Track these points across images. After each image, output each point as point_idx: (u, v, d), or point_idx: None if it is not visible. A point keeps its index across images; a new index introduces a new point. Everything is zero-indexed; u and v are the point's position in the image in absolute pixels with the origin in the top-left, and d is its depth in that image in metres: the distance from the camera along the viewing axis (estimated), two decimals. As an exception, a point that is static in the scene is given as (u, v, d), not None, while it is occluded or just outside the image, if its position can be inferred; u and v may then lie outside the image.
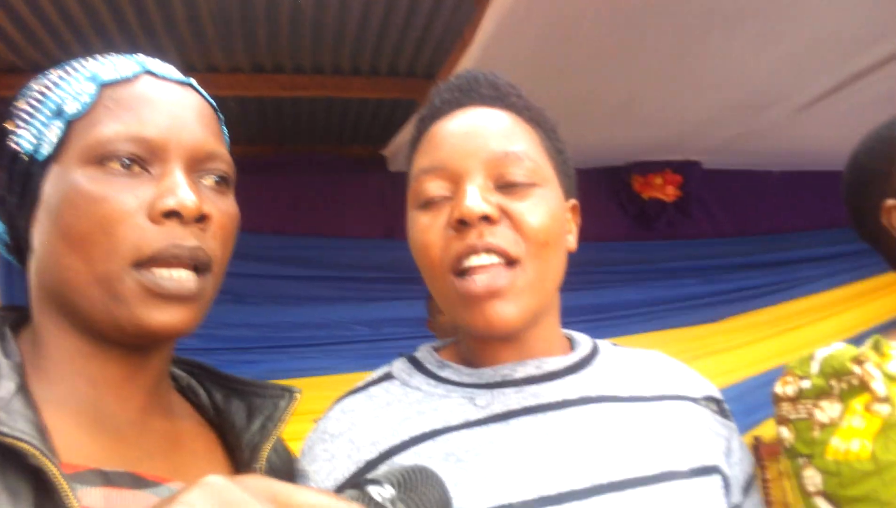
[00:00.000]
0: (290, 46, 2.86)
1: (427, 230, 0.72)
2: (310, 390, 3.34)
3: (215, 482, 0.38)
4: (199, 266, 0.63)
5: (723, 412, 0.75)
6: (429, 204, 0.73)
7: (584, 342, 0.80)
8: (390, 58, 3.02)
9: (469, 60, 2.46)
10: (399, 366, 0.81)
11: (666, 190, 4.17)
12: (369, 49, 2.93)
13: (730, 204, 4.40)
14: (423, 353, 0.82)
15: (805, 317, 4.31)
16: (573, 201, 0.80)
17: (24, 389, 0.57)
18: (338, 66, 3.08)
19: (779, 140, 3.78)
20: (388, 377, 0.81)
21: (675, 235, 4.25)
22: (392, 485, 0.45)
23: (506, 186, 0.71)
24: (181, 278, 0.61)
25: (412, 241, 0.75)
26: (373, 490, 0.44)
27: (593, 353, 0.78)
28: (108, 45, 2.44)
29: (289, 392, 0.74)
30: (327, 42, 2.84)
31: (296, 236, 3.68)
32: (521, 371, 0.73)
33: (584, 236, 0.78)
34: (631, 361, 0.78)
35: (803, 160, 4.30)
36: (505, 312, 0.68)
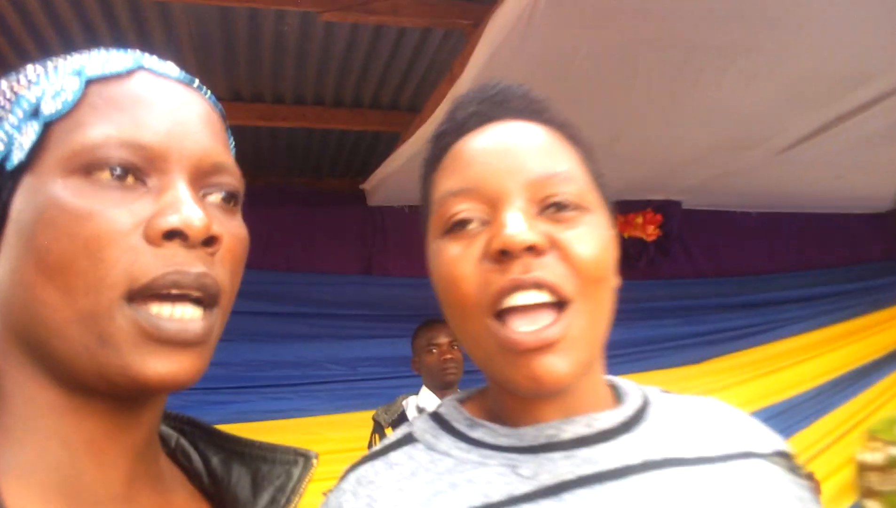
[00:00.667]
0: (272, 75, 2.79)
1: (458, 262, 0.60)
2: (282, 433, 3.19)
3: None
4: (206, 299, 0.51)
5: (794, 469, 0.65)
6: (459, 231, 0.62)
7: (631, 390, 0.69)
8: (374, 90, 2.96)
9: (458, 92, 2.40)
10: (422, 426, 0.69)
11: (646, 229, 4.15)
12: (353, 80, 2.87)
13: (710, 244, 4.40)
14: (449, 409, 0.70)
15: (786, 359, 4.29)
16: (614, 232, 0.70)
17: None
18: (320, 96, 3.01)
19: (759, 181, 3.78)
20: (409, 439, 0.68)
21: (655, 274, 4.21)
22: None
23: (551, 212, 0.61)
24: (185, 316, 0.50)
25: (437, 275, 0.64)
26: None
27: (645, 404, 0.68)
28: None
29: (304, 457, 0.62)
30: (310, 72, 2.77)
31: (270, 271, 3.55)
32: (570, 431, 0.62)
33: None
34: (687, 412, 0.68)
35: (782, 202, 4.33)
36: (556, 367, 0.57)
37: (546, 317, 0.57)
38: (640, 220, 4.18)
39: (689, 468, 0.61)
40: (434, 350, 2.66)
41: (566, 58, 2.20)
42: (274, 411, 3.28)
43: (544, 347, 0.57)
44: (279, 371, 3.40)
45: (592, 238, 0.60)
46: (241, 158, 0.60)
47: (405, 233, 3.84)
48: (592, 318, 0.59)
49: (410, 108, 3.10)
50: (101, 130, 0.50)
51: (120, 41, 2.40)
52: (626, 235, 4.20)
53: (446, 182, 0.64)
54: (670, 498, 0.58)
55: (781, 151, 3.21)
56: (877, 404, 4.23)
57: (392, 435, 0.69)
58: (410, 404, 2.60)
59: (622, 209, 4.13)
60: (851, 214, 4.64)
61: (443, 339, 2.69)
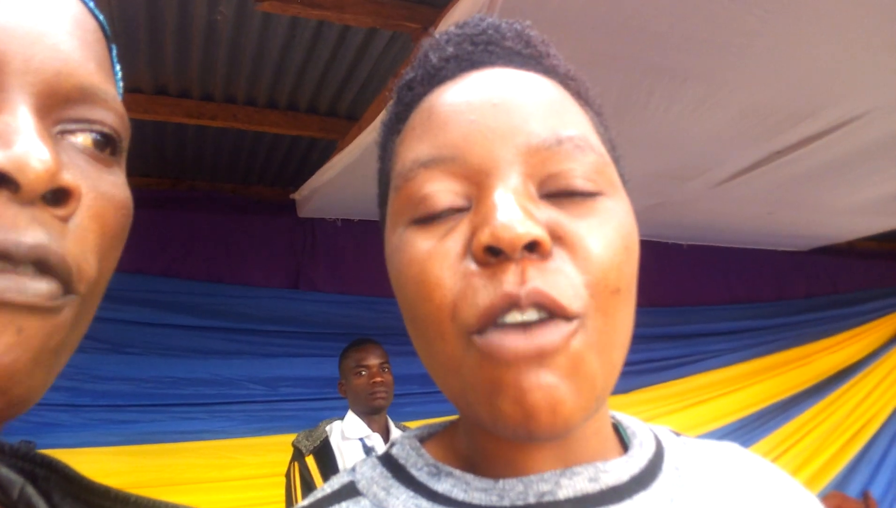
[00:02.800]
0: (201, 69, 2.58)
1: (429, 262, 0.44)
2: (193, 456, 2.93)
3: None
4: (48, 274, 0.34)
5: None
6: (430, 217, 0.45)
7: (640, 432, 0.53)
8: (312, 93, 2.80)
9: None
10: (368, 474, 0.51)
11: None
12: (290, 80, 2.69)
13: (639, 274, 4.39)
14: (405, 450, 0.52)
15: (712, 391, 4.34)
16: None
17: None
18: (252, 96, 2.81)
19: (694, 213, 3.81)
20: (350, 491, 0.50)
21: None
22: None
23: (557, 194, 0.44)
24: (9, 288, 0.33)
25: (400, 277, 0.47)
26: None
27: (659, 451, 0.52)
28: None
29: None
30: (244, 68, 2.58)
31: (187, 281, 3.30)
32: (569, 487, 0.46)
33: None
34: (709, 462, 0.54)
35: (713, 235, 4.40)
36: (559, 397, 0.40)
37: (548, 333, 0.41)
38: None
39: None
40: (363, 373, 2.50)
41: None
42: (185, 431, 3.01)
43: (542, 355, 0.40)
44: (192, 389, 3.14)
45: (613, 231, 0.44)
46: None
47: (336, 247, 3.67)
48: (608, 337, 0.43)
49: (349, 115, 2.94)
50: None
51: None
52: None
53: (414, 148, 0.47)
54: None
55: (719, 183, 3.23)
56: (798, 436, 4.33)
57: (328, 485, 0.52)
58: (335, 429, 2.42)
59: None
60: (777, 250, 4.77)
61: (373, 361, 2.53)
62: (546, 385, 0.40)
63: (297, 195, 3.47)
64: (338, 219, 3.66)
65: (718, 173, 3.12)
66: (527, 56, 0.50)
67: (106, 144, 0.39)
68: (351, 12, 2.11)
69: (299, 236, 3.66)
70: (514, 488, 0.46)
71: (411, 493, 0.48)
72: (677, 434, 0.57)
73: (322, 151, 3.25)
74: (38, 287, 0.33)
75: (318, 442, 2.34)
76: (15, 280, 0.32)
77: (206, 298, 3.32)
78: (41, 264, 0.34)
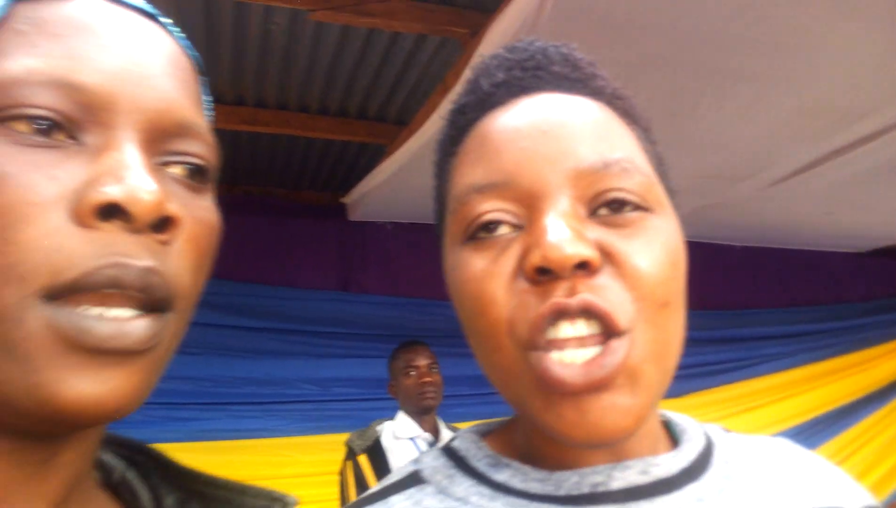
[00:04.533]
0: (255, 77, 2.66)
1: (485, 280, 0.47)
2: (249, 453, 3.01)
3: None
4: (152, 302, 0.38)
5: None
6: (485, 239, 0.48)
7: (689, 428, 0.55)
8: (362, 98, 2.85)
9: (448, 106, 2.31)
10: (432, 463, 0.54)
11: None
12: (340, 87, 2.76)
13: (692, 277, 4.30)
14: (466, 443, 0.55)
15: (766, 396, 4.24)
16: None
17: None
18: (304, 103, 2.89)
19: (747, 214, 3.74)
20: (415, 479, 0.54)
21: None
22: None
23: (605, 214, 0.47)
24: (122, 317, 0.36)
25: (459, 294, 0.50)
26: None
27: (709, 446, 0.54)
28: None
29: (280, 503, 0.49)
30: (296, 75, 2.65)
31: (242, 284, 3.39)
32: (621, 479, 0.49)
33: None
34: (759, 456, 0.56)
35: (767, 236, 4.30)
36: (615, 412, 0.43)
37: (605, 351, 0.43)
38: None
39: None
40: (412, 373, 2.53)
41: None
42: (241, 430, 3.10)
43: (598, 386, 0.43)
44: (248, 388, 3.24)
45: (659, 248, 0.46)
46: (221, 164, 0.48)
47: (386, 250, 3.73)
48: (660, 347, 0.45)
49: (398, 120, 2.99)
50: (22, 63, 0.37)
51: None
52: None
53: (469, 173, 0.50)
54: None
55: (773, 183, 3.17)
56: (858, 444, 4.19)
57: (394, 474, 0.56)
58: (386, 429, 2.46)
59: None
60: (835, 252, 4.63)
61: (422, 361, 2.56)
62: (605, 406, 0.43)
63: (347, 199, 3.54)
64: (387, 222, 3.71)
65: (772, 173, 3.05)
66: (574, 80, 0.52)
67: (198, 174, 0.43)
68: (400, 19, 2.15)
69: (349, 240, 3.73)
70: (568, 479, 0.49)
71: (473, 482, 0.51)
72: (727, 431, 0.58)
73: (371, 156, 3.31)
74: (139, 332, 0.37)
75: (371, 442, 2.39)
76: (119, 326, 0.36)
77: (260, 300, 3.41)
78: (150, 289, 0.37)
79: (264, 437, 3.13)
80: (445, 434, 2.51)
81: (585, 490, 0.48)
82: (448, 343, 3.09)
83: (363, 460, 2.33)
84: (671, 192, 0.53)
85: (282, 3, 2.09)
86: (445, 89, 2.34)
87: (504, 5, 1.93)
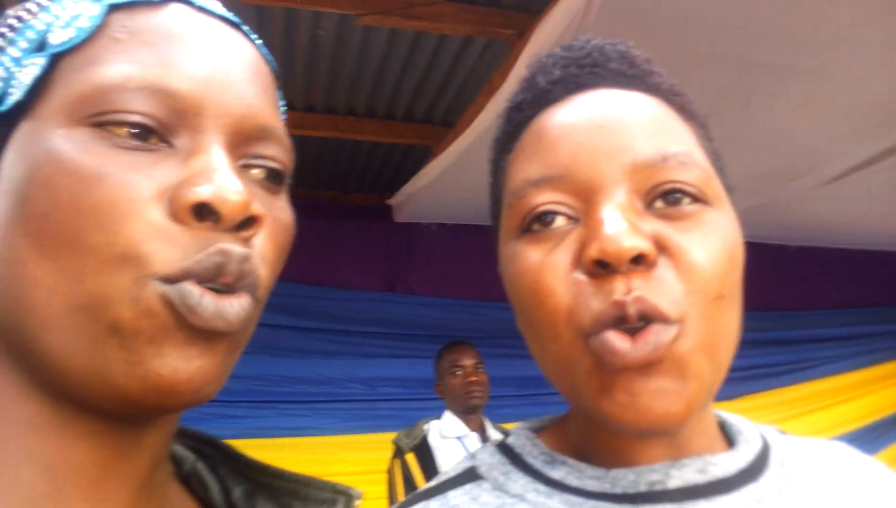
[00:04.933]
0: (304, 82, 2.72)
1: (542, 272, 0.48)
2: (298, 451, 3.07)
3: None
4: (245, 288, 0.40)
5: None
6: (541, 231, 0.49)
7: (745, 428, 0.55)
8: (408, 101, 2.89)
9: (496, 107, 2.32)
10: (488, 460, 0.55)
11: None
12: (387, 90, 2.79)
13: (744, 277, 4.23)
14: (521, 440, 0.56)
15: (820, 400, 4.12)
16: None
17: None
18: (352, 106, 2.94)
19: (800, 214, 3.64)
20: (472, 475, 0.55)
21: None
22: None
23: (662, 207, 0.47)
24: (226, 304, 0.39)
25: (515, 285, 0.51)
26: None
27: (765, 448, 0.54)
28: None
29: (344, 496, 0.51)
30: (344, 79, 2.70)
31: (291, 284, 3.45)
32: (679, 478, 0.48)
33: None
34: (816, 459, 0.56)
35: (822, 236, 4.18)
36: (667, 397, 0.43)
37: (658, 336, 0.44)
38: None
39: None
40: (458, 373, 2.55)
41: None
42: (290, 427, 3.17)
43: (649, 365, 0.43)
44: (297, 387, 3.30)
45: (716, 242, 0.47)
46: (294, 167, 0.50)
47: (432, 251, 3.75)
48: (712, 339, 0.46)
49: (444, 121, 3.02)
50: (120, 69, 0.39)
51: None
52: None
53: (525, 168, 0.51)
54: None
55: (828, 182, 3.08)
56: (918, 452, 4.04)
57: (451, 469, 0.57)
58: (432, 429, 2.48)
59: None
60: (892, 252, 4.48)
61: (467, 361, 2.58)
62: (656, 390, 0.44)
63: (393, 201, 3.57)
64: (433, 223, 3.74)
65: (827, 172, 2.97)
66: (631, 76, 0.52)
67: (276, 177, 0.45)
68: (448, 22, 2.17)
69: (395, 241, 3.77)
70: (625, 477, 0.49)
71: (529, 478, 0.52)
72: (783, 433, 0.58)
73: (418, 158, 3.34)
74: (236, 313, 0.39)
75: (418, 441, 2.41)
76: (220, 307, 0.38)
77: (308, 300, 3.48)
78: (244, 277, 0.40)
79: (313, 435, 3.19)
80: (492, 434, 2.51)
81: (642, 488, 0.48)
82: (493, 344, 3.10)
83: (411, 458, 2.35)
84: (729, 188, 0.53)
85: (330, 9, 2.13)
86: (492, 90, 2.35)
87: (551, 6, 1.93)
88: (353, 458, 3.12)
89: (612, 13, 1.87)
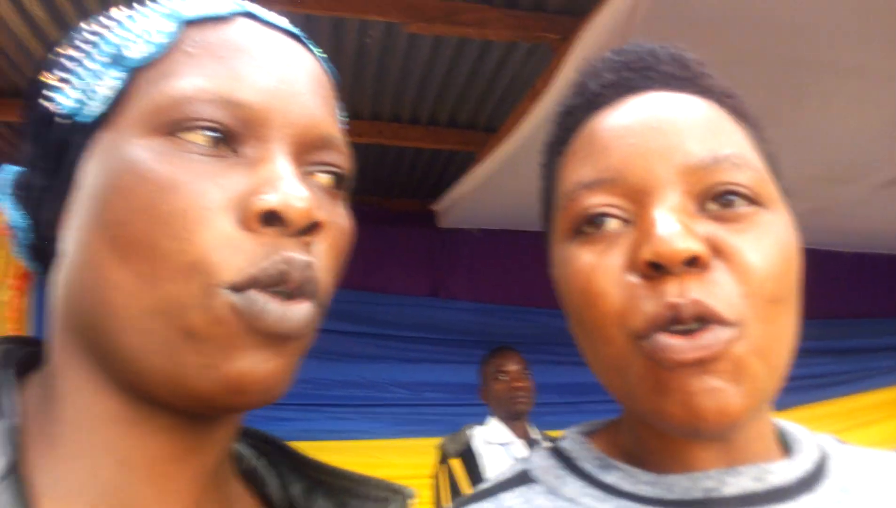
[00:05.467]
0: (351, 89, 2.76)
1: (594, 273, 0.48)
2: (345, 454, 3.10)
3: None
4: (308, 294, 0.42)
5: None
6: (593, 233, 0.49)
7: (803, 437, 0.54)
8: (452, 107, 2.91)
9: (540, 111, 2.31)
10: (541, 463, 0.55)
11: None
12: (431, 97, 2.82)
13: (804, 284, 4.11)
14: (573, 444, 0.56)
15: (876, 412, 3.98)
16: None
17: (16, 472, 0.37)
18: (397, 113, 2.97)
19: (856, 218, 3.53)
20: (525, 479, 0.55)
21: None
22: None
23: (716, 209, 0.47)
24: (286, 305, 0.40)
25: (567, 287, 0.51)
26: None
27: (823, 457, 0.53)
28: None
29: (400, 495, 0.52)
30: (389, 87, 2.73)
31: (337, 289, 3.50)
32: (734, 485, 0.48)
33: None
34: (877, 470, 0.54)
35: (878, 243, 4.04)
36: (724, 396, 0.43)
37: (713, 338, 0.44)
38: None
39: None
40: (503, 378, 2.54)
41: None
42: (337, 431, 3.22)
43: (705, 362, 0.43)
44: (342, 391, 3.34)
45: (771, 244, 0.46)
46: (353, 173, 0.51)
47: (475, 256, 3.76)
48: (769, 342, 0.45)
49: (488, 127, 3.02)
50: (192, 82, 0.41)
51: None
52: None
53: (577, 171, 0.51)
54: None
55: (885, 185, 2.98)
56: None
57: (504, 472, 0.57)
58: (477, 434, 2.47)
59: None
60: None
61: (512, 366, 2.57)
62: (711, 388, 0.43)
63: (437, 207, 3.60)
64: (476, 229, 3.74)
65: (884, 175, 2.87)
66: (683, 78, 0.52)
67: (338, 182, 0.46)
68: (492, 28, 2.18)
69: (439, 246, 3.79)
70: (680, 483, 0.49)
71: (582, 483, 0.52)
72: (841, 443, 0.57)
73: (461, 163, 3.35)
74: (301, 313, 0.41)
75: (463, 446, 2.41)
76: (285, 312, 0.40)
77: (353, 305, 3.52)
78: (307, 284, 0.41)
79: (358, 438, 3.22)
80: (537, 441, 2.50)
81: (698, 494, 0.48)
82: (536, 350, 3.09)
83: (456, 464, 2.36)
84: (785, 191, 0.52)
85: (377, 17, 2.16)
86: (536, 95, 2.35)
87: (596, 9, 1.92)
88: (398, 462, 3.14)
89: (659, 14, 1.85)
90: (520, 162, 2.67)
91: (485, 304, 3.61)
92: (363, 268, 3.63)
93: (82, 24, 0.47)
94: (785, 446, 0.54)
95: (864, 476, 0.52)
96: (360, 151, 3.30)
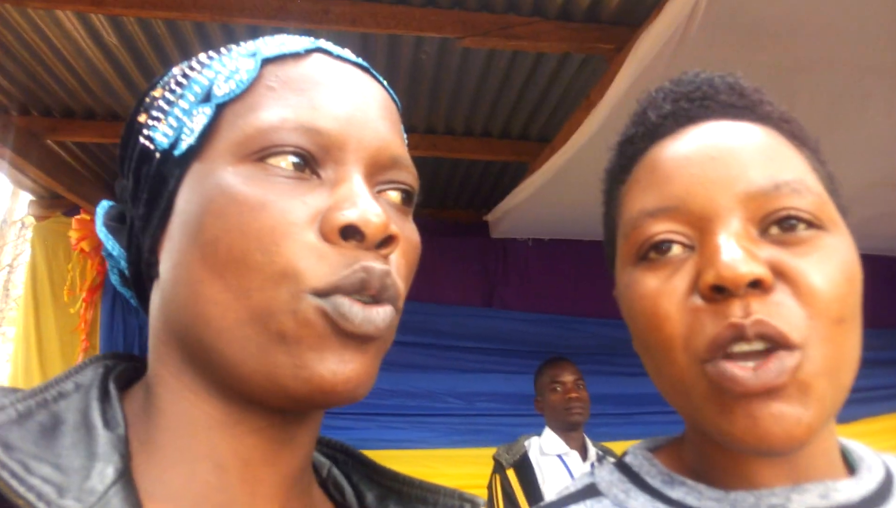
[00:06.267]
0: (406, 104, 2.81)
1: (659, 298, 0.50)
2: (399, 463, 3.13)
3: None
4: (386, 299, 0.45)
5: None
6: (657, 259, 0.51)
7: (867, 456, 0.55)
8: (505, 119, 2.93)
9: (594, 122, 2.31)
10: (608, 478, 0.58)
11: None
12: (485, 109, 2.84)
13: (864, 292, 3.98)
14: (639, 459, 0.58)
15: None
16: None
17: (126, 476, 0.41)
18: (451, 126, 3.00)
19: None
20: (593, 491, 0.57)
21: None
22: None
23: (777, 233, 0.49)
24: (373, 312, 0.44)
25: (633, 310, 0.53)
26: None
27: (889, 476, 0.54)
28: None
29: (470, 503, 0.54)
30: (443, 101, 2.77)
31: (392, 300, 3.55)
32: (800, 502, 0.49)
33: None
34: None
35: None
36: (787, 418, 0.44)
37: (779, 361, 0.45)
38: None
39: None
40: (558, 389, 2.54)
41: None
42: (390, 440, 3.24)
43: (771, 391, 0.44)
44: (396, 401, 3.38)
45: (833, 266, 0.47)
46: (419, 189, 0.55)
47: (528, 266, 3.76)
48: (833, 362, 0.46)
49: (541, 137, 3.03)
50: (276, 113, 0.45)
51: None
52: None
53: (640, 199, 0.54)
54: None
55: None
56: None
57: (571, 485, 0.59)
58: (533, 445, 2.48)
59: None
60: None
61: (567, 377, 2.56)
62: (778, 413, 0.45)
63: (489, 217, 3.61)
64: (529, 239, 3.75)
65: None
66: (741, 107, 0.54)
67: (407, 199, 0.51)
68: (546, 40, 2.19)
69: (492, 257, 3.80)
70: (745, 500, 0.50)
71: (648, 497, 0.54)
72: None
73: (513, 174, 3.36)
74: (381, 315, 0.44)
75: (518, 457, 2.41)
76: (367, 314, 0.43)
77: (407, 315, 3.50)
78: (386, 291, 0.44)
79: (412, 448, 3.24)
80: (593, 453, 2.48)
81: None
82: (591, 360, 3.07)
83: (511, 474, 2.36)
84: (843, 210, 0.53)
85: (432, 34, 2.20)
86: (590, 106, 2.35)
87: (651, 19, 1.92)
88: (452, 472, 3.15)
89: (716, 23, 1.83)
90: (573, 173, 2.67)
91: (538, 314, 3.61)
92: (417, 278, 3.66)
93: (173, 68, 0.52)
94: (849, 464, 0.54)
95: None
96: (415, 164, 3.33)
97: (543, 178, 2.77)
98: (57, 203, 3.64)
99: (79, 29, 2.32)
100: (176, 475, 0.44)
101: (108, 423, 0.43)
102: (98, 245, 3.44)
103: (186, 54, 2.46)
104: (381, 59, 2.46)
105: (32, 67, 2.55)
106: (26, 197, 3.88)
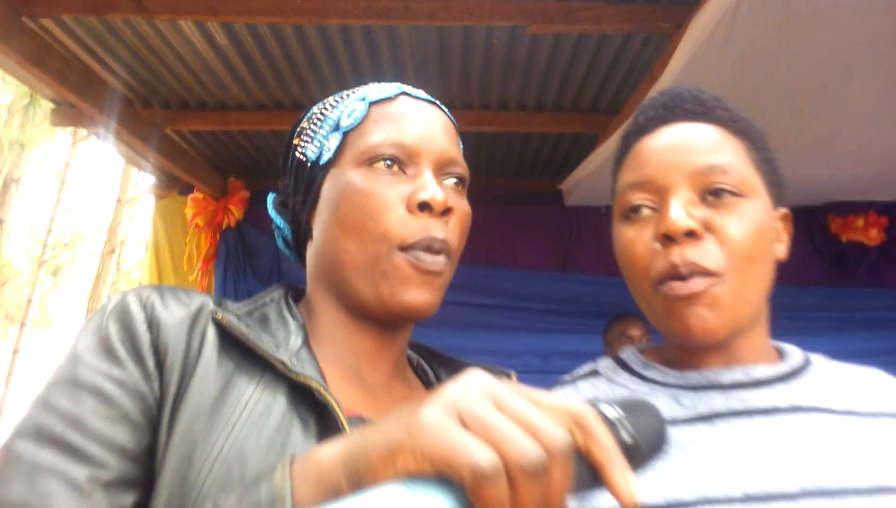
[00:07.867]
0: (480, 85, 3.03)
1: (633, 243, 0.75)
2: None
3: (475, 374, 0.43)
4: (443, 252, 0.72)
5: None
6: (635, 218, 0.76)
7: (794, 353, 0.80)
8: (574, 94, 3.09)
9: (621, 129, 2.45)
10: (605, 364, 0.85)
11: (868, 233, 3.85)
12: (555, 86, 3.02)
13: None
14: (629, 355, 0.85)
15: None
16: (784, 210, 0.80)
17: (307, 344, 0.69)
18: (523, 103, 3.20)
19: None
20: (594, 373, 0.85)
21: (877, 282, 3.89)
22: (619, 408, 0.47)
23: (711, 200, 0.72)
24: (436, 259, 0.71)
25: (619, 253, 0.79)
26: (604, 408, 0.46)
27: (805, 364, 0.78)
28: (339, 83, 2.71)
29: (506, 375, 0.81)
30: (515, 80, 2.97)
31: (473, 266, 3.81)
32: (728, 377, 0.75)
33: (774, 279, 0.76)
34: (847, 375, 0.77)
35: None
36: (704, 319, 0.69)
37: (698, 281, 0.70)
38: (860, 223, 3.88)
39: (836, 416, 0.71)
40: (626, 342, 2.74)
41: (771, 58, 2.17)
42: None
43: (691, 296, 0.69)
44: (478, 358, 3.48)
45: (746, 222, 0.71)
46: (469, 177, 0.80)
47: (600, 232, 3.87)
48: (741, 286, 0.70)
49: (610, 109, 3.18)
50: (378, 136, 0.74)
51: (354, 59, 2.77)
52: (844, 238, 3.93)
53: (627, 176, 0.79)
54: (812, 437, 0.69)
55: None
56: None
57: (580, 369, 0.86)
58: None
59: (840, 211, 3.87)
60: None
61: (635, 331, 2.76)
62: (696, 314, 0.70)
63: (563, 186, 3.80)
64: (602, 206, 3.90)
65: None
66: (698, 112, 0.79)
67: (460, 183, 0.77)
68: (607, 22, 2.36)
69: (566, 224, 4.00)
70: (692, 375, 0.77)
71: (629, 375, 0.81)
72: (830, 360, 0.80)
73: (584, 145, 3.53)
74: (440, 261, 0.72)
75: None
76: (434, 260, 0.71)
77: (487, 280, 3.81)
78: (445, 248, 0.72)
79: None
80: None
81: (703, 382, 0.75)
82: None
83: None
84: (775, 184, 0.77)
85: (502, 23, 2.41)
86: (653, 80, 2.49)
87: None
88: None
89: (766, 1, 1.95)
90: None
91: (610, 277, 3.77)
92: (497, 246, 3.92)
93: (313, 108, 0.81)
94: (781, 358, 0.79)
95: (835, 378, 0.76)
96: (490, 139, 3.57)
97: (611, 148, 2.92)
98: (174, 184, 4.07)
99: (196, 34, 2.66)
100: (329, 351, 0.74)
101: (294, 317, 0.73)
102: (210, 221, 3.86)
103: (286, 53, 2.77)
104: (456, 47, 2.69)
105: (156, 67, 2.93)
106: (138, 179, 4.33)
